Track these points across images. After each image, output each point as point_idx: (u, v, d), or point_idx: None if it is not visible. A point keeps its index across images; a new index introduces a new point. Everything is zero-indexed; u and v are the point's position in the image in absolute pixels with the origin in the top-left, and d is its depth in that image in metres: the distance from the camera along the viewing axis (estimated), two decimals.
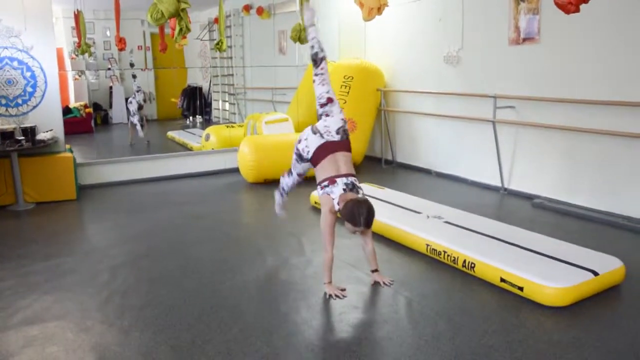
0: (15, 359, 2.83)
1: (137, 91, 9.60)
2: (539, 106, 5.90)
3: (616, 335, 3.02)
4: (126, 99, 10.25)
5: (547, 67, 5.81)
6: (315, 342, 2.98)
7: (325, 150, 3.66)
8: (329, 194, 3.54)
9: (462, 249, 3.96)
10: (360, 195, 3.52)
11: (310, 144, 3.75)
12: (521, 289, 3.45)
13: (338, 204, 3.49)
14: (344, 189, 3.51)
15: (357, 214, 3.36)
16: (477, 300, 3.50)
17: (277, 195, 4.55)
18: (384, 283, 3.73)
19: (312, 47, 3.92)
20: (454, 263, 3.97)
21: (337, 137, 3.70)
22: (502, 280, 3.58)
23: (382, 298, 3.55)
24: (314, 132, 3.75)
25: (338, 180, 3.55)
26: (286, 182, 4.34)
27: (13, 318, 3.31)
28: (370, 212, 3.40)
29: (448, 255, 4.02)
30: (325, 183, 3.59)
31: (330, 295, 3.54)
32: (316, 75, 3.89)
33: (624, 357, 2.80)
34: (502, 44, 6.29)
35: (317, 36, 3.95)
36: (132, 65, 9.68)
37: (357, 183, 3.61)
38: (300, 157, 3.91)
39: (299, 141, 3.88)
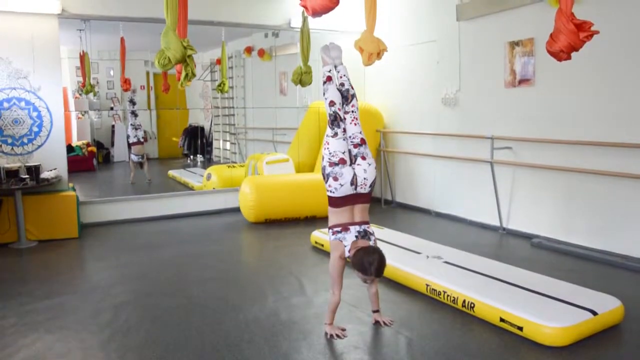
0: None
1: (137, 128, 9.69)
2: (536, 147, 6.01)
3: None
4: (128, 137, 10.37)
5: (542, 109, 5.94)
6: None
7: (351, 200, 3.59)
8: (340, 240, 3.54)
9: (461, 289, 3.99)
10: (371, 243, 3.54)
11: (344, 182, 3.54)
12: (520, 328, 3.47)
13: (349, 251, 3.50)
14: (356, 236, 3.53)
15: (368, 264, 3.35)
16: (476, 340, 3.52)
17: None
18: (384, 323, 3.75)
19: (343, 84, 3.82)
20: (454, 303, 4.00)
21: (367, 190, 3.62)
22: (502, 320, 3.60)
23: (382, 338, 3.57)
24: (351, 183, 3.55)
25: (351, 228, 3.56)
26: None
27: (15, 357, 3.32)
28: (381, 262, 3.38)
29: (448, 295, 4.06)
30: (338, 229, 3.57)
31: (330, 335, 3.56)
32: (346, 113, 3.76)
33: None
34: (499, 86, 6.45)
35: (346, 73, 3.88)
36: (132, 102, 9.81)
37: (369, 230, 3.62)
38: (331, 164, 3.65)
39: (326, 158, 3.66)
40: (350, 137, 3.73)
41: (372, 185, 3.64)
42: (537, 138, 5.96)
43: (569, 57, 3.17)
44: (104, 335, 3.64)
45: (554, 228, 5.91)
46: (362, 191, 3.59)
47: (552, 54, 3.20)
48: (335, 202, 3.61)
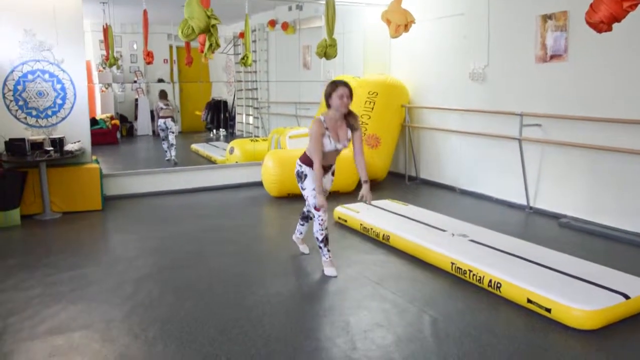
0: None
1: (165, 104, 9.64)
2: (566, 124, 5.84)
3: None
4: (151, 112, 10.38)
5: (574, 86, 5.75)
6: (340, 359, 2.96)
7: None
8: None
9: (488, 268, 3.91)
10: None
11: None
12: (549, 310, 3.38)
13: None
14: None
15: (333, 81, 4.08)
16: (503, 320, 3.44)
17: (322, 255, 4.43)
18: (365, 198, 4.16)
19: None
20: (480, 282, 3.92)
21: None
22: (529, 301, 3.52)
23: (406, 316, 3.51)
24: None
25: None
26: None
27: (39, 327, 3.34)
28: (343, 80, 4.09)
29: (473, 275, 3.97)
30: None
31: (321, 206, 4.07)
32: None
33: None
34: (529, 62, 6.25)
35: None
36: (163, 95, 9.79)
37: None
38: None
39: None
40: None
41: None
42: (567, 115, 5.78)
43: (609, 29, 3.02)
44: (127, 308, 3.64)
45: (583, 208, 5.77)
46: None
47: (592, 25, 3.05)
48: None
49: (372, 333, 3.25)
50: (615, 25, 3.24)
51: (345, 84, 4.06)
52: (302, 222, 4.74)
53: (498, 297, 3.76)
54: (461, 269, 4.09)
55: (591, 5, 2.99)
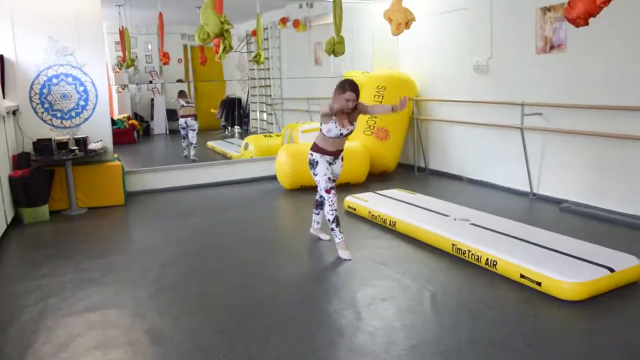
0: (82, 338, 3.22)
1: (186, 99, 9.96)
2: (566, 113, 6.07)
3: (628, 327, 3.22)
4: (167, 111, 10.69)
5: (574, 74, 5.98)
6: (346, 328, 3.28)
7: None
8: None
9: (485, 247, 4.20)
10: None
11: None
12: (539, 284, 3.67)
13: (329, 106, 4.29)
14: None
15: (344, 82, 4.31)
16: (497, 294, 3.74)
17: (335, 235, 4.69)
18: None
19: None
20: (478, 261, 4.21)
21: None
22: (522, 276, 3.80)
23: (408, 292, 3.81)
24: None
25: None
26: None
27: (76, 306, 3.71)
28: (354, 81, 4.36)
29: (472, 254, 4.26)
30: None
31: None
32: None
33: (634, 347, 3.00)
34: (530, 53, 6.49)
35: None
36: (184, 95, 10.11)
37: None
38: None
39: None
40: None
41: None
42: (567, 104, 6.01)
43: (586, 23, 3.28)
44: (153, 289, 4.00)
45: (584, 193, 6.00)
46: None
47: (570, 20, 3.32)
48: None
49: (376, 306, 3.57)
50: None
51: (353, 89, 4.34)
52: (316, 211, 5.04)
53: (494, 274, 4.05)
54: (461, 249, 4.38)
55: (569, 3, 3.26)
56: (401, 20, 4.64)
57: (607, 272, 3.64)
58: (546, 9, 6.22)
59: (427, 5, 7.96)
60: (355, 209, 5.95)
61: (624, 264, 3.77)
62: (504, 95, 6.88)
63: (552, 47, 6.23)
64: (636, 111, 5.31)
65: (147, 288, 4.03)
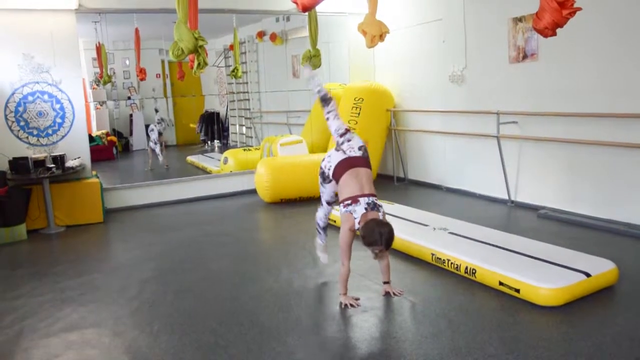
0: (60, 359, 3.17)
1: (159, 122, 10.02)
2: (541, 120, 6.17)
3: (604, 330, 3.26)
4: (146, 126, 10.65)
5: (547, 83, 6.09)
6: (327, 341, 3.28)
7: (346, 164, 3.83)
8: (351, 213, 3.68)
9: (464, 256, 4.24)
10: (380, 215, 3.70)
11: (332, 160, 3.94)
12: (518, 290, 3.71)
13: (359, 222, 3.64)
14: (366, 208, 3.66)
15: (379, 234, 3.49)
16: (476, 302, 3.77)
17: (317, 238, 4.56)
18: (394, 294, 3.93)
19: (319, 91, 4.20)
20: (457, 270, 4.24)
21: (359, 153, 3.89)
22: (501, 283, 3.84)
23: (388, 303, 3.83)
24: (337, 150, 3.98)
25: (361, 199, 3.68)
26: (319, 215, 4.42)
27: (54, 326, 3.67)
28: (390, 233, 3.53)
29: (451, 263, 4.30)
30: (349, 202, 3.71)
31: (345, 305, 3.77)
32: (329, 112, 4.12)
33: (610, 349, 3.04)
34: (504, 62, 6.60)
35: (319, 81, 4.27)
36: (156, 111, 10.15)
37: (377, 202, 3.77)
38: (323, 177, 4.07)
39: (323, 160, 4.09)
40: (336, 129, 4.06)
41: (361, 149, 3.93)
42: (541, 112, 6.11)
43: (554, 34, 3.35)
44: (132, 307, 3.96)
45: (560, 199, 6.09)
46: (353, 154, 3.89)
47: (538, 31, 3.38)
48: (337, 172, 3.88)
49: (357, 317, 3.58)
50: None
51: (387, 247, 3.61)
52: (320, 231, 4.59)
53: (473, 282, 4.08)
54: (440, 258, 4.41)
55: (536, 14, 3.33)
56: (375, 33, 4.68)
57: (584, 277, 3.70)
58: (517, 20, 6.34)
59: (402, 18, 8.06)
60: (335, 221, 5.95)
61: (599, 268, 3.84)
62: (480, 104, 6.97)
63: (525, 57, 6.34)
64: (609, 117, 5.42)
65: (126, 306, 3.99)
